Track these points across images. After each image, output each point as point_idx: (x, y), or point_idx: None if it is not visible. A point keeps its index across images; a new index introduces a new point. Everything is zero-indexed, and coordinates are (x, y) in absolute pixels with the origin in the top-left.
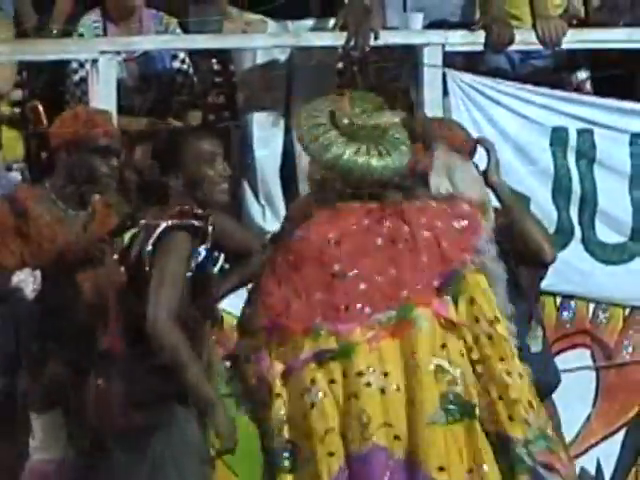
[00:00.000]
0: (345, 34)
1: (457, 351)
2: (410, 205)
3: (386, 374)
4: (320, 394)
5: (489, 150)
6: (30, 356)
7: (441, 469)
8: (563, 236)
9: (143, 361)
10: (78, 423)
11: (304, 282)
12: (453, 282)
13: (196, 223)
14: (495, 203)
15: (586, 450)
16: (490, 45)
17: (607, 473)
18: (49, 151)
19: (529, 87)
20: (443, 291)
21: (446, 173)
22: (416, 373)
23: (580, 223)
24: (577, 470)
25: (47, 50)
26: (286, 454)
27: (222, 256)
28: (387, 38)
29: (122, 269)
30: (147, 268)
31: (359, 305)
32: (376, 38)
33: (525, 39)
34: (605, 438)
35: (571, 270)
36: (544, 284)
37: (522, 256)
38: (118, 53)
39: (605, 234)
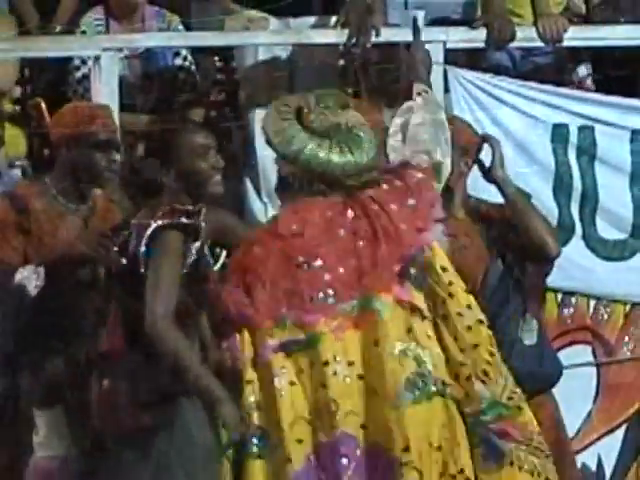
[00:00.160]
0: (347, 31)
1: (424, 333)
2: (365, 194)
3: (350, 363)
4: (288, 383)
5: (494, 146)
6: (31, 352)
7: (406, 449)
8: (564, 233)
9: (146, 361)
10: (78, 423)
11: (269, 273)
12: (416, 266)
13: (187, 221)
14: (499, 198)
15: (587, 446)
16: (491, 42)
17: (608, 469)
18: (51, 148)
19: (530, 84)
20: (404, 276)
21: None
22: (380, 362)
23: (581, 220)
24: (578, 466)
25: (49, 47)
26: (255, 440)
27: (224, 252)
28: (388, 35)
29: (124, 261)
30: (142, 270)
31: (322, 295)
32: (377, 35)
33: (526, 36)
34: (606, 434)
35: (572, 266)
36: None
37: (526, 251)
38: (120, 50)
39: (606, 231)
